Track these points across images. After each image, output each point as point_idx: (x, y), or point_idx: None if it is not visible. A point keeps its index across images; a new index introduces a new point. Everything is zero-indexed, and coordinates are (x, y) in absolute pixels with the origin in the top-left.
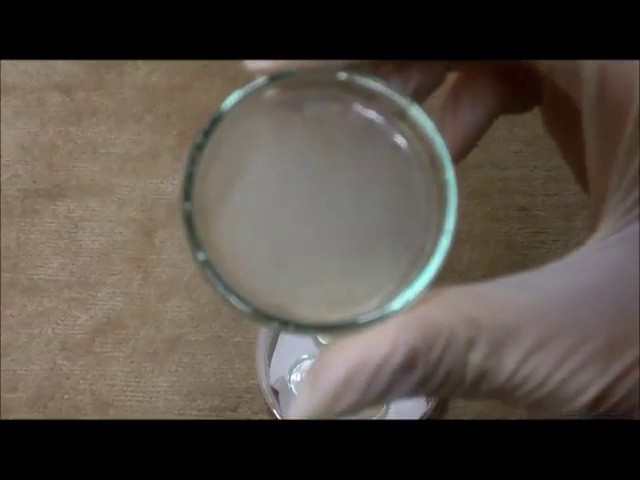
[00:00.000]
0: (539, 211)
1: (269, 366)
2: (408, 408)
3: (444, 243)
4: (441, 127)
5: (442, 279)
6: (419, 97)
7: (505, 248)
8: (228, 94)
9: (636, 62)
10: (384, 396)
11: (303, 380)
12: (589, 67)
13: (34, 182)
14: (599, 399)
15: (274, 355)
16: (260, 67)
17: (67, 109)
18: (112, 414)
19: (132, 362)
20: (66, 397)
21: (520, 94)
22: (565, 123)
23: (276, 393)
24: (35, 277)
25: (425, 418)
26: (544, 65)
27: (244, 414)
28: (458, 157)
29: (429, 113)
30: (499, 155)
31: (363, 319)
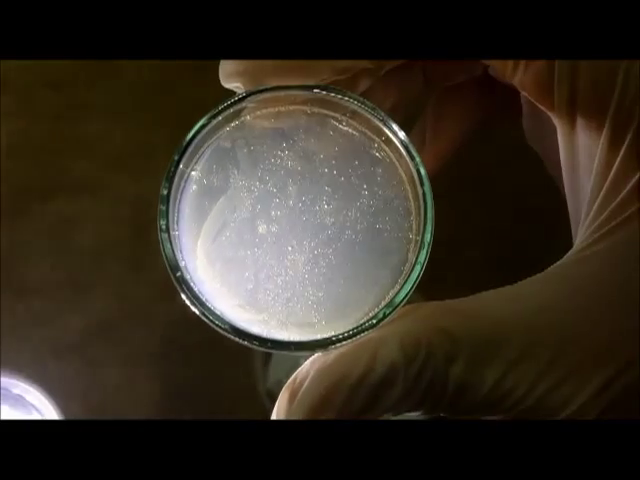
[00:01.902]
0: (546, 211)
1: (267, 369)
2: None
3: (422, 256)
4: (421, 141)
5: (447, 282)
6: (398, 111)
7: (511, 250)
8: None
9: (607, 74)
10: (365, 412)
11: (281, 394)
12: (561, 80)
13: (24, 181)
14: (582, 411)
15: (272, 357)
16: (235, 70)
17: (59, 105)
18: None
19: (124, 365)
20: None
21: (500, 109)
22: (544, 134)
23: (273, 397)
24: (25, 278)
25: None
26: (517, 79)
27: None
28: (436, 170)
29: (406, 127)
30: (504, 155)
31: (340, 335)
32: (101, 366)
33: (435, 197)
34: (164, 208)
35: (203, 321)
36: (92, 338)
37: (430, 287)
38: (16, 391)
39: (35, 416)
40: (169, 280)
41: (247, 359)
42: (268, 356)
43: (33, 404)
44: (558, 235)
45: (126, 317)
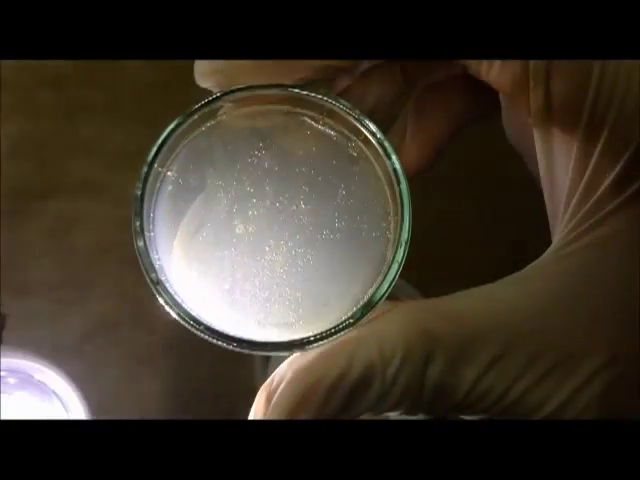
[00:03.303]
0: (544, 212)
1: (267, 369)
2: None
3: (399, 254)
4: (401, 139)
5: (446, 281)
6: (378, 111)
7: (510, 249)
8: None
9: (582, 68)
10: (342, 413)
11: (258, 395)
12: (536, 76)
13: (24, 181)
14: (560, 410)
15: (272, 358)
16: (210, 68)
17: (59, 105)
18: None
19: (124, 365)
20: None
21: (481, 107)
22: (523, 132)
23: None
24: (25, 278)
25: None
26: (493, 77)
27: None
28: (422, 167)
29: (387, 126)
30: (503, 154)
31: (318, 335)
32: (101, 366)
33: (434, 196)
34: (139, 209)
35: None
36: (92, 338)
37: (430, 287)
38: (38, 377)
39: (56, 404)
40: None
41: (247, 359)
42: (267, 357)
43: (56, 392)
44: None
45: (126, 317)
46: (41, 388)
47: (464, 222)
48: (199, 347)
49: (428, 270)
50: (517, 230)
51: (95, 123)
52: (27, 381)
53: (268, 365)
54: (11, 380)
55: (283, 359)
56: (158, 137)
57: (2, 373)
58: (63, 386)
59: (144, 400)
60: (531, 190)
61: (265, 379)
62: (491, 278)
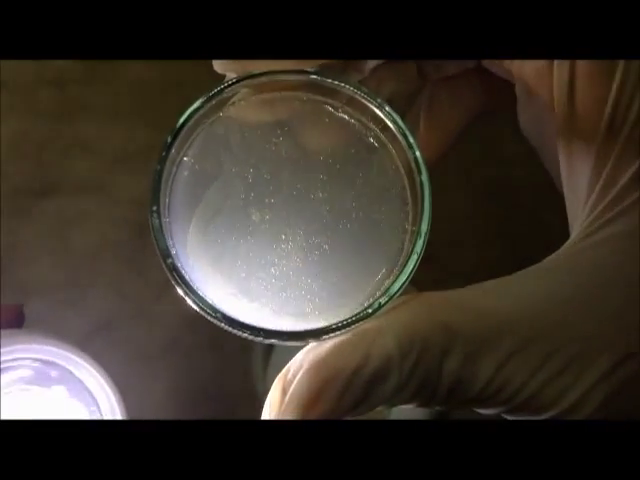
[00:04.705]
0: (545, 211)
1: (267, 370)
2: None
3: (418, 246)
4: (416, 129)
5: (445, 280)
6: (392, 105)
7: (510, 249)
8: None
9: (606, 63)
10: (358, 405)
11: (274, 386)
12: (561, 69)
13: (24, 181)
14: (577, 406)
15: (272, 358)
16: (229, 68)
17: (59, 105)
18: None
19: (124, 365)
20: None
21: (494, 100)
22: (539, 124)
23: None
24: (25, 278)
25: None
26: (516, 66)
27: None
28: (434, 158)
29: (403, 115)
30: (505, 153)
31: (335, 325)
32: (100, 366)
33: (435, 194)
34: (156, 193)
35: (202, 321)
36: (92, 338)
37: (430, 287)
38: (78, 374)
39: (92, 409)
40: (170, 280)
41: (247, 360)
42: (268, 357)
43: (92, 393)
44: (557, 234)
45: (126, 317)
46: (77, 383)
47: (464, 222)
48: (199, 347)
49: (428, 270)
50: (517, 230)
51: (95, 123)
52: (66, 378)
53: (268, 366)
54: (53, 373)
55: (285, 359)
56: (176, 121)
57: (39, 364)
58: (100, 384)
59: (144, 400)
60: (531, 190)
61: (265, 379)
62: (491, 278)
